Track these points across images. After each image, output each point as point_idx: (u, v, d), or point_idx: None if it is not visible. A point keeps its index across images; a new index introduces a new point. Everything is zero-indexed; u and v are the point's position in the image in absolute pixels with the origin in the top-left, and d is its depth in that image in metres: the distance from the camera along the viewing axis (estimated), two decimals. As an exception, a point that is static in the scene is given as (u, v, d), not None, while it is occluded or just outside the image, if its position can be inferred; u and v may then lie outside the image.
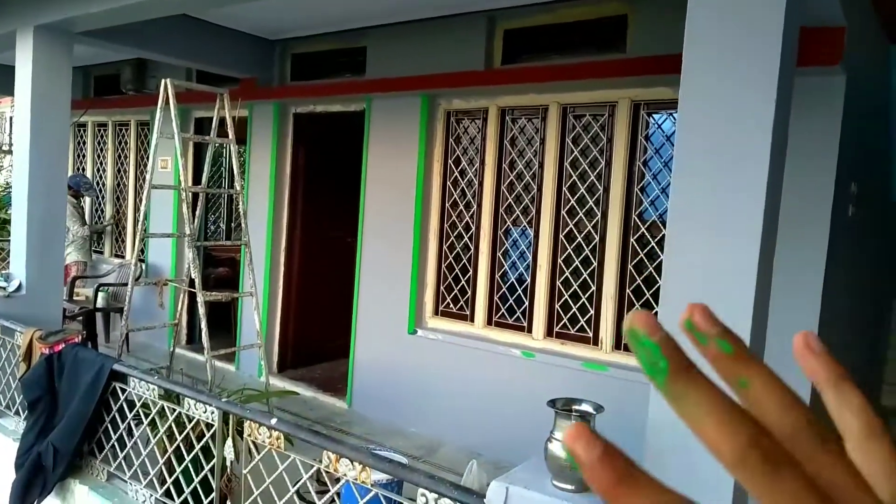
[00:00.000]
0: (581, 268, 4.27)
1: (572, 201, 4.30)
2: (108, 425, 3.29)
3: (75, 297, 6.72)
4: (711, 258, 1.89)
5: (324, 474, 2.45)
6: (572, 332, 4.29)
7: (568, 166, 4.33)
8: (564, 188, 4.33)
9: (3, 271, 4.66)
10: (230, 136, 4.29)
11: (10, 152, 16.16)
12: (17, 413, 3.94)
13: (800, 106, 2.27)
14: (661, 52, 3.73)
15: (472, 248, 4.76)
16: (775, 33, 1.86)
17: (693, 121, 1.99)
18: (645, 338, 0.25)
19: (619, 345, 4.09)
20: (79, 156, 7.96)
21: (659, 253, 3.95)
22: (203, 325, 3.94)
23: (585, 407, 1.81)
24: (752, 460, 0.25)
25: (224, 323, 6.47)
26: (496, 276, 4.67)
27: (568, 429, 0.24)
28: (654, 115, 4.03)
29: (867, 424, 0.29)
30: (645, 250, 4.02)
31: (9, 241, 4.76)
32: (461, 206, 4.83)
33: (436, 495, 2.04)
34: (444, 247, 4.93)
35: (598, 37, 4.25)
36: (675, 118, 3.93)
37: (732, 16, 1.94)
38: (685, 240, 1.96)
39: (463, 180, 4.82)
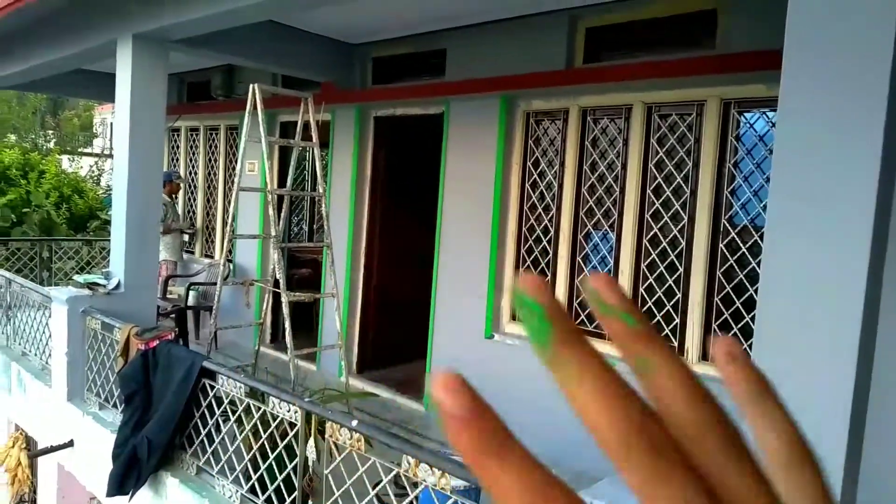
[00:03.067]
0: (666, 274, 4.12)
1: (657, 204, 4.16)
2: (198, 420, 3.41)
3: (168, 296, 7.05)
4: (814, 267, 1.77)
5: (402, 477, 2.45)
6: (656, 339, 4.14)
7: (652, 168, 4.18)
8: (649, 191, 4.19)
9: (104, 269, 4.94)
10: (314, 140, 4.40)
11: (111, 156, 17.16)
12: (114, 406, 4.16)
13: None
14: (753, 47, 3.56)
15: (551, 251, 4.68)
16: (888, 25, 1.72)
17: (794, 120, 1.86)
18: (531, 300, 0.23)
19: (705, 356, 3.91)
20: (173, 159, 8.35)
21: (750, 259, 3.75)
22: (287, 324, 4.05)
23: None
24: (637, 449, 0.21)
25: (306, 323, 6.62)
26: (576, 280, 4.57)
27: (437, 374, 0.21)
28: (745, 114, 3.84)
29: (791, 449, 0.25)
30: (735, 256, 3.83)
31: (109, 240, 5.02)
32: (540, 209, 4.75)
33: (516, 506, 1.99)
34: (522, 250, 4.87)
35: (685, 33, 4.10)
36: (768, 117, 3.76)
37: (840, 7, 1.81)
38: (785, 247, 1.84)
39: (542, 182, 4.75)
